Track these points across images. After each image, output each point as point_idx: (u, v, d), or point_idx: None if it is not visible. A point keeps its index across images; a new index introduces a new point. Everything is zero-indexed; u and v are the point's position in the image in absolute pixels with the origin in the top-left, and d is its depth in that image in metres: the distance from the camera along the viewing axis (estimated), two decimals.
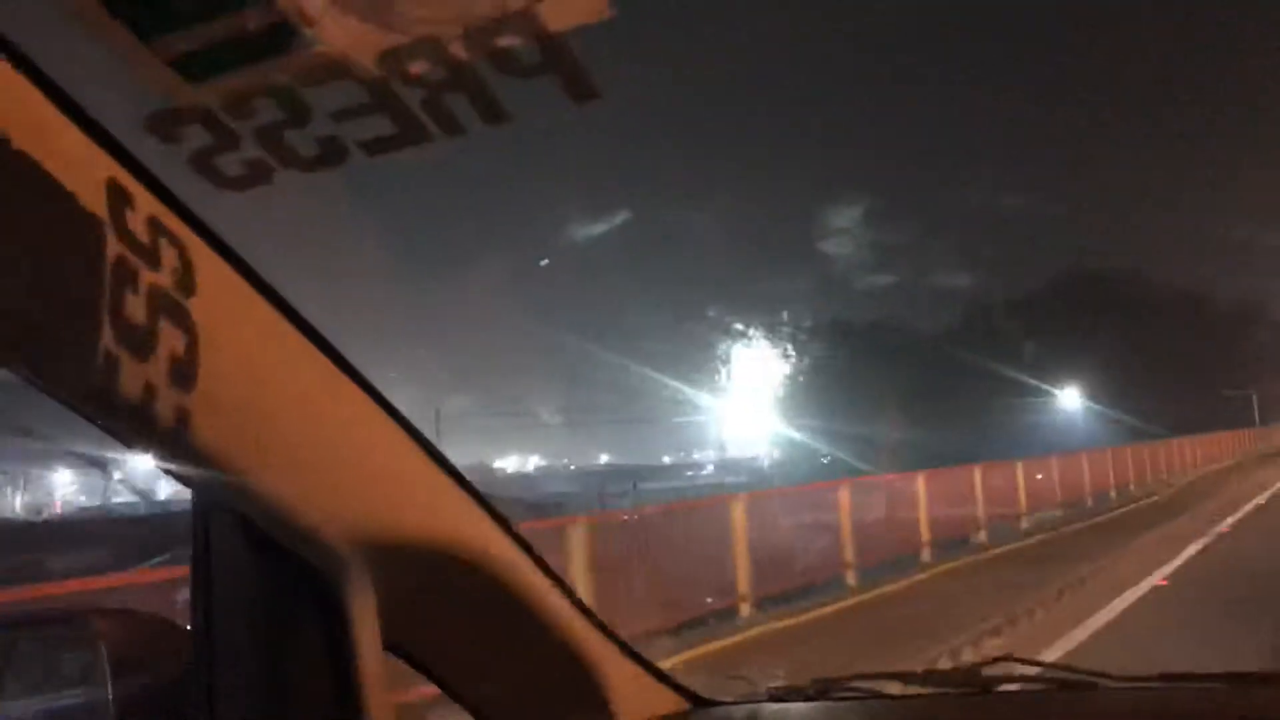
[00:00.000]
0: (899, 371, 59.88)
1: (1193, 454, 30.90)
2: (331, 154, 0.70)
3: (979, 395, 55.63)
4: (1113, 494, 21.19)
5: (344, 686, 0.90)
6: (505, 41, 0.64)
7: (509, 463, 73.70)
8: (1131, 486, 22.78)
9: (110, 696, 0.92)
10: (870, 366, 61.28)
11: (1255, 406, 59.63)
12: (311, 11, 0.62)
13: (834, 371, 62.49)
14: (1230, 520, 15.39)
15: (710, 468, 70.69)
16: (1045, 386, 58.77)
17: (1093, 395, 56.45)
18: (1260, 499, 18.95)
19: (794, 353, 63.28)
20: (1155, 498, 21.27)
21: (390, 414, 0.93)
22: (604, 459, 76.22)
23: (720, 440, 68.32)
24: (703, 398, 58.24)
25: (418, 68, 0.66)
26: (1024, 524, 16.30)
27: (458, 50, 0.65)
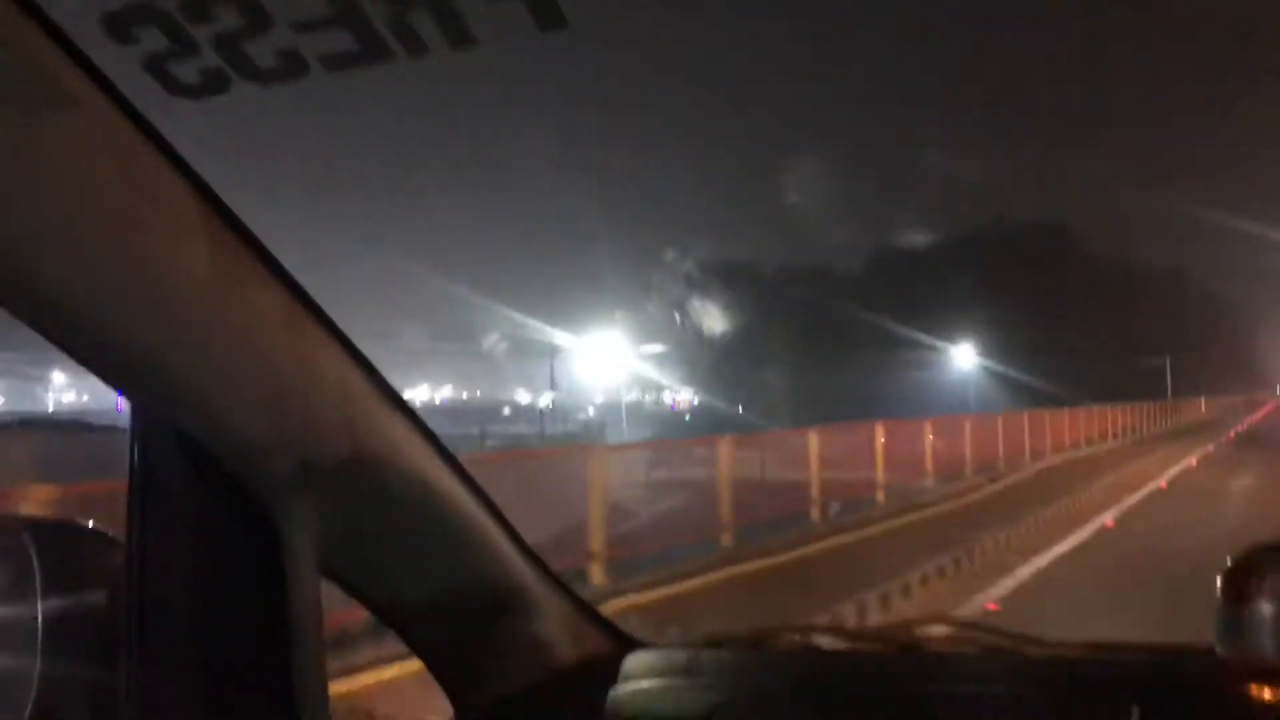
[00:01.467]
0: (798, 322, 57.52)
1: (1070, 429, 25.73)
2: (290, 68, 0.69)
3: (877, 351, 53.10)
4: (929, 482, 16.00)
5: (278, 609, 0.89)
6: None
7: None
8: (969, 471, 17.45)
9: (39, 611, 0.90)
10: (772, 315, 58.95)
11: (1168, 378, 57.33)
12: None
13: (733, 317, 60.42)
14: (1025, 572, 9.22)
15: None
16: (939, 343, 55.20)
17: (995, 355, 53.46)
18: (1105, 518, 13.01)
19: (692, 296, 60.77)
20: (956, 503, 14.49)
21: (338, 338, 0.92)
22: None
23: (568, 382, 63.60)
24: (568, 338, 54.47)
25: None
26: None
27: None
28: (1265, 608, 0.95)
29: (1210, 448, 26.26)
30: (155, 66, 0.68)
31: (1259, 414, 49.64)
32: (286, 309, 0.86)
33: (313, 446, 0.90)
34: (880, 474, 14.63)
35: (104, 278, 0.70)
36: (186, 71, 0.68)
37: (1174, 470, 19.84)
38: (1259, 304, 79.10)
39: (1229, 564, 1.01)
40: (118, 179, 0.69)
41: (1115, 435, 30.66)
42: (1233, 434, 33.08)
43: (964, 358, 56.22)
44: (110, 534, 0.97)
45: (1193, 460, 22.39)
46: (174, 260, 0.74)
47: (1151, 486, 16.75)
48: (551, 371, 55.11)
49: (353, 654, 5.06)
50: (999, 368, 50.86)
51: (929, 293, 56.77)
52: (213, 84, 0.69)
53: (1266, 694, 0.88)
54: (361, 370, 0.95)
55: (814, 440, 13.03)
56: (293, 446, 0.88)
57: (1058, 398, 32.05)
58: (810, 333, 55.84)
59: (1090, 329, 56.61)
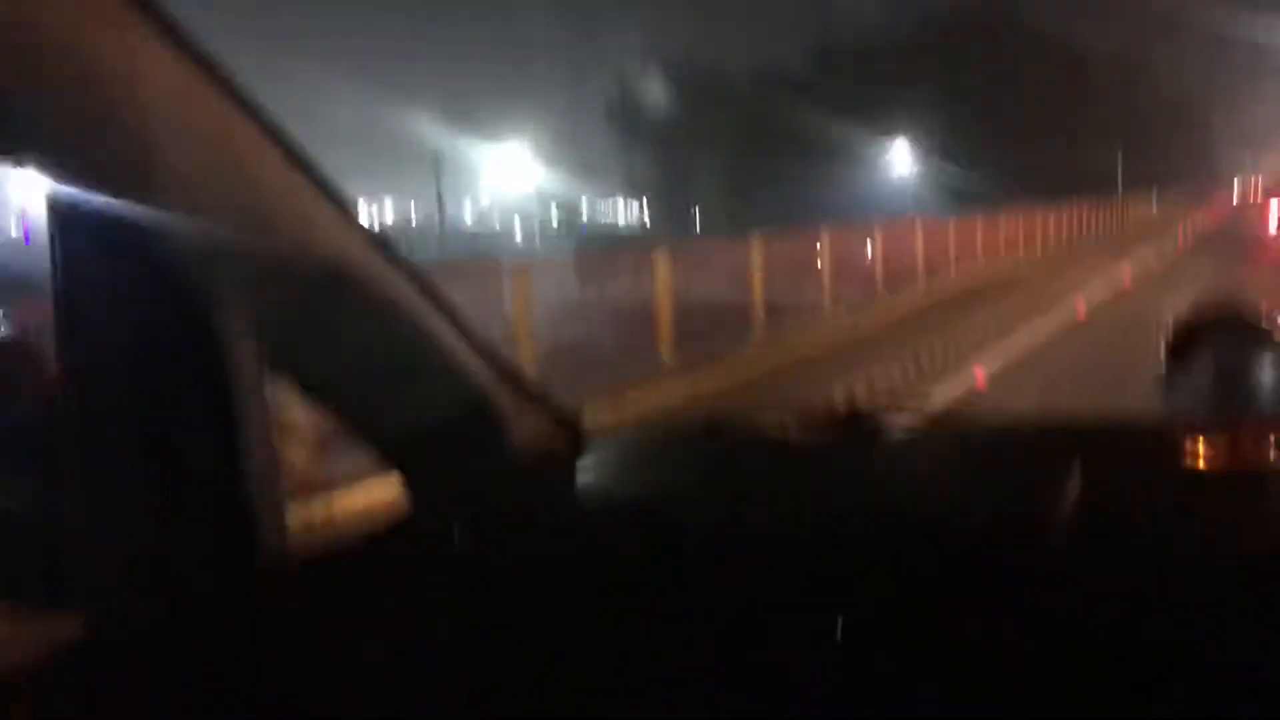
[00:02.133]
0: (725, 126, 53.63)
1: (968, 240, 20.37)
2: None
3: (816, 156, 49.61)
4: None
5: (222, 404, 0.88)
6: None
7: None
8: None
9: None
10: (696, 117, 54.86)
11: (1119, 177, 53.55)
12: None
13: (666, 124, 55.96)
14: None
15: None
16: (880, 143, 52.85)
17: (937, 154, 50.49)
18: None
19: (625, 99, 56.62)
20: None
21: (259, 123, 0.87)
22: None
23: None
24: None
25: None
26: None
27: None
28: (1201, 369, 0.96)
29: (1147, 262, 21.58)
30: None
31: (1211, 216, 44.89)
32: (201, 92, 0.82)
33: (243, 236, 0.86)
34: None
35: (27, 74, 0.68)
36: None
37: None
38: (1215, 96, 75.15)
39: (1173, 323, 1.01)
40: None
41: (1047, 243, 26.74)
42: (1182, 242, 29.45)
43: (902, 160, 53.91)
44: (39, 347, 0.95)
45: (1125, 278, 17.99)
46: (89, 50, 0.72)
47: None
48: (438, 184, 47.10)
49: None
50: (939, 169, 48.67)
51: (869, 90, 53.26)
52: None
53: (1199, 450, 0.91)
54: (289, 156, 0.91)
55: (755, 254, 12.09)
56: (222, 238, 0.85)
57: (998, 199, 29.11)
58: (746, 140, 52.41)
59: (1040, 123, 53.53)
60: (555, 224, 62.35)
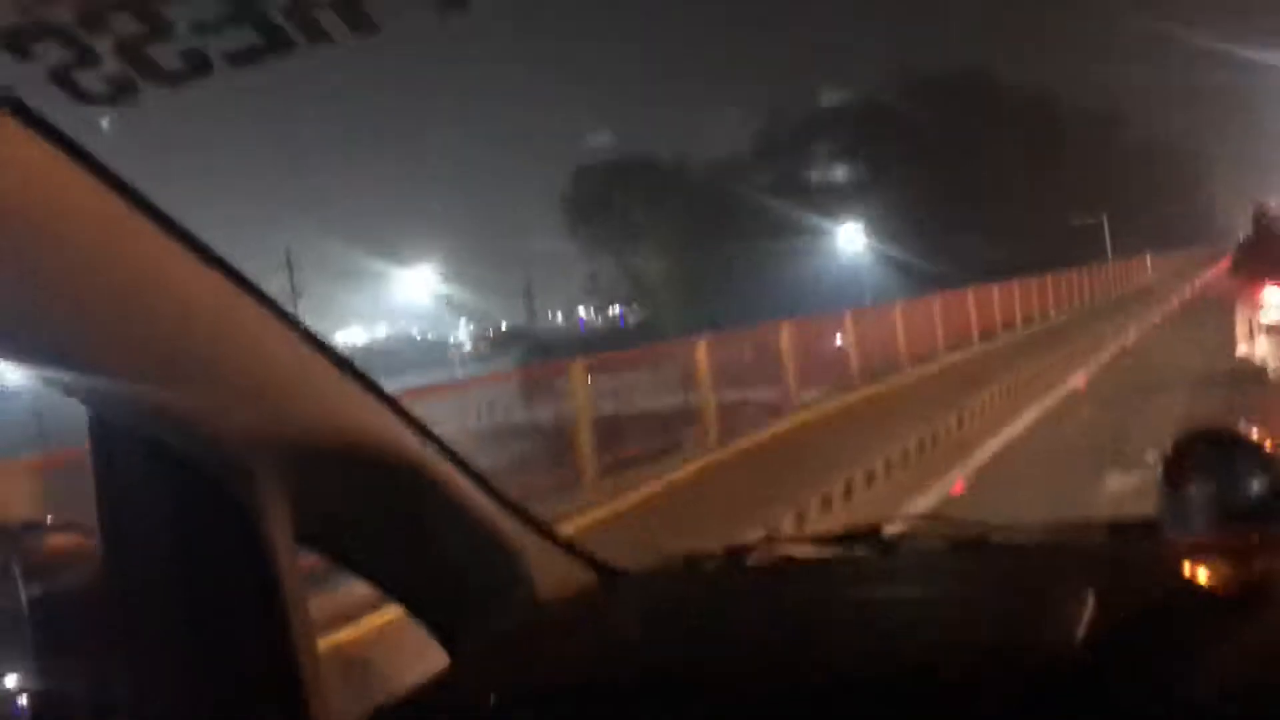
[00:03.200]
0: (670, 213, 49.89)
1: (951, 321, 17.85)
2: (196, 67, 0.69)
3: (772, 240, 46.18)
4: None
5: (259, 583, 0.91)
6: None
7: None
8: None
9: (24, 606, 0.92)
10: (643, 206, 51.07)
11: (1106, 237, 49.62)
12: None
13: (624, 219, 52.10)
14: None
15: None
16: (836, 225, 48.99)
17: (901, 234, 45.77)
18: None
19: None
20: None
21: (280, 316, 0.93)
22: None
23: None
24: None
25: None
26: None
27: None
28: (1200, 487, 1.00)
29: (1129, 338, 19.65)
30: (61, 78, 0.67)
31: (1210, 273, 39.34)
32: (222, 293, 0.86)
33: (272, 426, 0.91)
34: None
35: (38, 291, 0.71)
36: (92, 80, 0.68)
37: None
38: (1206, 146, 69.91)
39: (1168, 450, 1.06)
40: (35, 193, 0.69)
41: (1027, 319, 22.77)
42: (1177, 303, 28.26)
43: (853, 241, 49.85)
44: (83, 524, 0.99)
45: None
46: (102, 264, 0.75)
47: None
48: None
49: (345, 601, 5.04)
50: (900, 250, 44.13)
51: (828, 172, 51.78)
52: (121, 91, 0.69)
53: (1201, 569, 0.96)
54: (306, 341, 0.96)
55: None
56: (252, 429, 0.89)
57: (970, 273, 26.33)
58: (699, 232, 49.56)
59: (1014, 190, 49.86)
60: (485, 337, 60.21)
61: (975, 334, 19.17)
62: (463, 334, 59.88)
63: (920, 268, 39.06)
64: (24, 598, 0.92)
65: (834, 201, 50.25)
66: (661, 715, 0.89)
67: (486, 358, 54.17)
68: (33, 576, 0.93)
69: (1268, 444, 1.03)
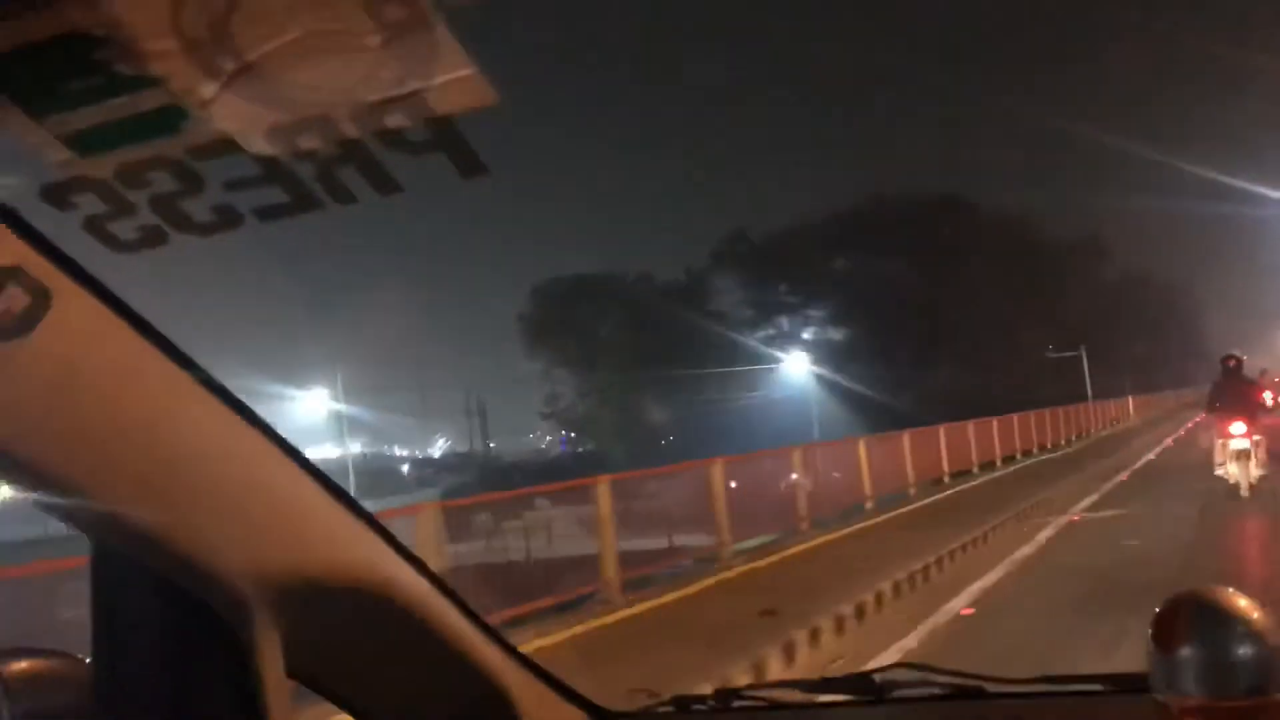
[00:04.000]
0: (625, 334, 47.89)
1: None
2: (225, 220, 0.71)
3: (707, 364, 44.59)
4: None
5: (248, 716, 0.90)
6: (393, 121, 0.66)
7: None
8: None
9: None
10: (599, 325, 49.60)
11: (1085, 371, 45.73)
12: (205, 95, 0.63)
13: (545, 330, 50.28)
14: None
15: None
16: (789, 355, 47.20)
17: (852, 363, 43.91)
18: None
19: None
20: None
21: (285, 450, 0.94)
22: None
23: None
24: None
25: (308, 143, 0.67)
26: None
27: (347, 127, 0.67)
28: (1189, 651, 1.00)
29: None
30: (95, 227, 0.70)
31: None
32: (220, 423, 0.87)
33: (269, 561, 0.91)
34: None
35: (42, 427, 0.73)
36: (125, 230, 0.70)
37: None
38: (1199, 282, 71.18)
39: (1157, 612, 1.07)
40: (52, 319, 0.71)
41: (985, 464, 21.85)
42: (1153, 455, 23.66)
43: (799, 370, 47.00)
44: (74, 655, 0.98)
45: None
46: (103, 389, 0.76)
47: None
48: None
49: None
50: (855, 381, 41.66)
51: (787, 293, 49.39)
52: (151, 239, 0.71)
53: None
54: (307, 472, 0.96)
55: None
56: (249, 563, 0.89)
57: (923, 414, 24.63)
58: (649, 352, 46.78)
59: (989, 319, 46.90)
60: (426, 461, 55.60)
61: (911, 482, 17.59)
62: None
63: (876, 401, 37.54)
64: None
65: (791, 328, 49.14)
66: None
67: (430, 483, 51.80)
68: (19, 699, 0.92)
69: (1254, 613, 1.03)
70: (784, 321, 49.71)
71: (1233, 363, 14.75)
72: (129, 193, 0.69)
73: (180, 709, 0.91)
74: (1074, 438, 31.47)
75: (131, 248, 0.72)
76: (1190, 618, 1.03)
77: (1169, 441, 28.34)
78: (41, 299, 0.71)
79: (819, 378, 46.78)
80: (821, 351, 48.39)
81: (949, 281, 47.88)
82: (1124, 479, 19.33)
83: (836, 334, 49.24)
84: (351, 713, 1.12)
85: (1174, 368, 60.94)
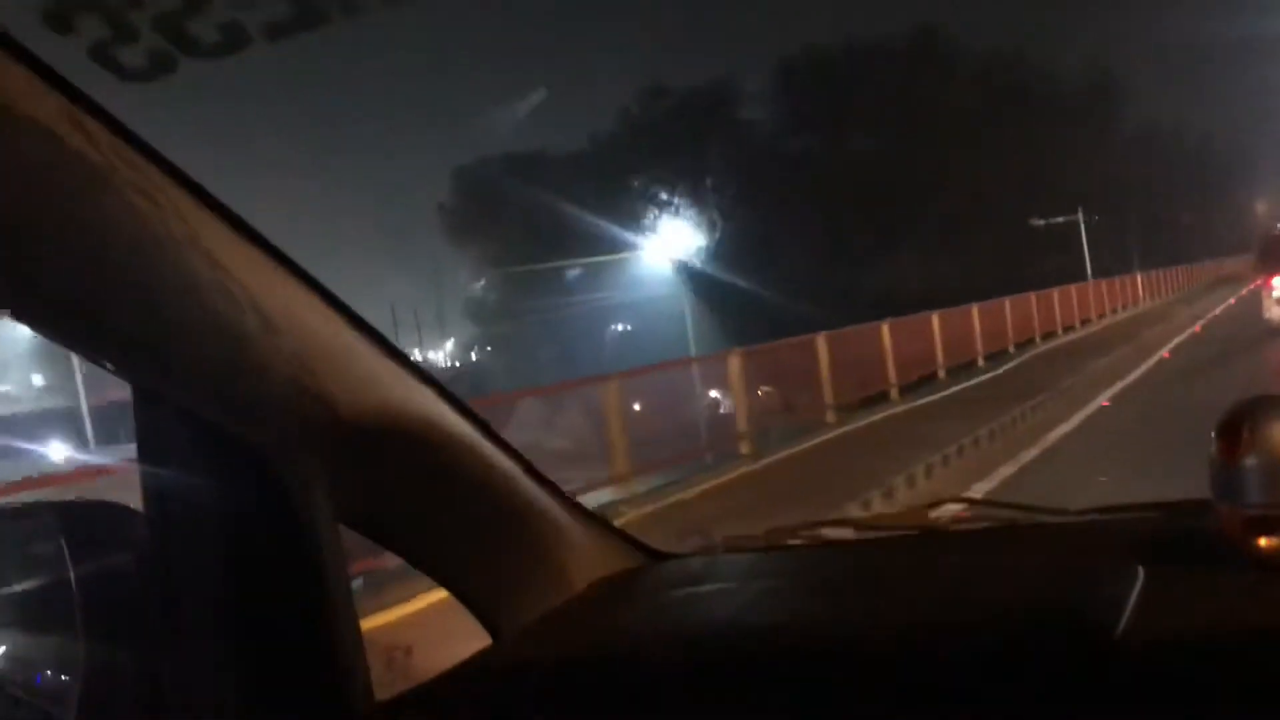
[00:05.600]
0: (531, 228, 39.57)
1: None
2: (233, 41, 0.69)
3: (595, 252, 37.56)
4: None
5: (300, 562, 0.92)
6: None
7: None
8: None
9: (73, 582, 0.92)
10: (505, 218, 40.88)
11: (1085, 246, 37.01)
12: None
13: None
14: None
15: None
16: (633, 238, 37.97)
17: (771, 260, 34.91)
18: None
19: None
20: None
21: (313, 287, 0.92)
22: None
23: None
24: None
25: None
26: None
27: None
28: (1253, 460, 0.94)
29: None
30: (102, 55, 0.68)
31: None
32: (260, 268, 0.86)
33: (307, 399, 0.90)
34: None
35: (80, 269, 0.72)
36: (133, 56, 0.68)
37: None
38: (1238, 143, 55.34)
39: (1219, 421, 1.01)
40: (76, 168, 0.69)
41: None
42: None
43: (661, 262, 38.02)
44: (129, 506, 0.99)
45: None
46: (145, 239, 0.75)
47: None
48: None
49: (389, 589, 4.88)
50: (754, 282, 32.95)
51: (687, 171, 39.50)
52: (160, 65, 0.69)
53: (1261, 542, 0.90)
54: (346, 319, 0.95)
55: None
56: (287, 402, 0.89)
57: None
58: (541, 242, 39.48)
59: (958, 181, 37.68)
60: None
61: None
62: None
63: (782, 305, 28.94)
64: (73, 576, 0.92)
65: (693, 211, 39.81)
66: (704, 689, 0.88)
67: None
68: (78, 551, 0.93)
69: None
70: (675, 204, 39.85)
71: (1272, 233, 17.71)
72: (132, 13, 0.66)
73: (233, 555, 0.91)
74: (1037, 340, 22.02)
75: (141, 76, 0.70)
76: (1255, 423, 0.96)
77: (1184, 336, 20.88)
78: (49, 132, 0.69)
79: (702, 277, 37.84)
80: (730, 244, 39.44)
81: (915, 149, 38.37)
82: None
83: (749, 219, 39.21)
84: (397, 552, 1.12)
85: (1219, 236, 52.62)
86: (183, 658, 0.91)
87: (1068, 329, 24.73)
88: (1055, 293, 24.73)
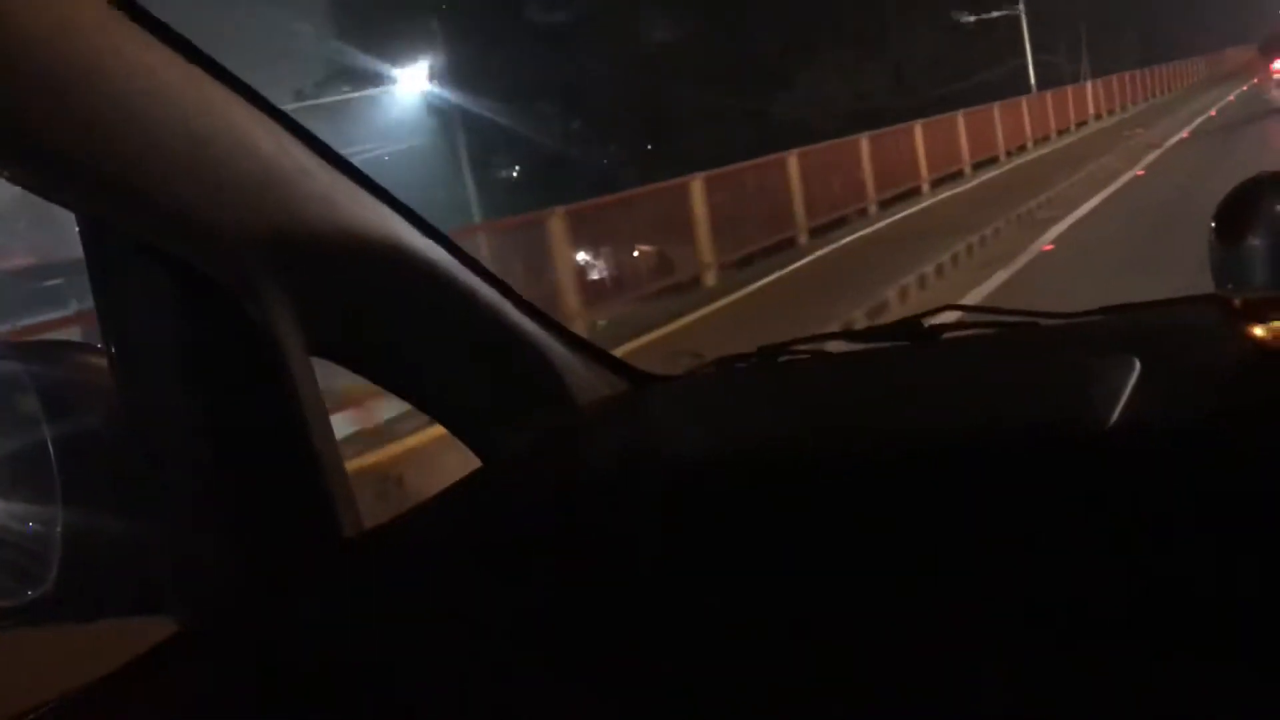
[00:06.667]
0: None
1: None
2: None
3: None
4: None
5: (274, 396, 0.88)
6: None
7: None
8: None
9: (47, 435, 0.86)
10: None
11: (1027, 42, 29.01)
12: None
13: None
14: None
15: None
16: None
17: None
18: None
19: None
20: None
21: (270, 112, 0.86)
22: None
23: None
24: None
25: None
26: None
27: None
28: (1257, 241, 0.91)
29: None
30: None
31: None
32: (204, 86, 0.81)
33: (266, 224, 0.85)
34: None
35: (23, 88, 0.67)
36: None
37: None
38: None
39: (1220, 202, 0.96)
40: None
41: None
42: None
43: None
44: (94, 345, 0.91)
45: None
46: (87, 59, 0.71)
47: None
48: None
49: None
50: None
51: None
52: None
53: (1259, 327, 0.86)
54: (299, 138, 0.89)
55: None
56: (245, 227, 0.84)
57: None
58: None
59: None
60: None
61: None
62: None
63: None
64: (45, 428, 0.85)
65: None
66: (699, 502, 0.85)
67: None
68: (43, 393, 0.87)
69: None
70: None
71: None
72: None
73: (203, 392, 0.87)
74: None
75: None
76: (1257, 202, 0.93)
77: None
78: None
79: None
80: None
81: None
82: None
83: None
84: (389, 388, 1.08)
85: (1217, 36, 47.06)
86: (161, 502, 0.87)
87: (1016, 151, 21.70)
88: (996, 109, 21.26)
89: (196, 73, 0.79)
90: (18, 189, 0.73)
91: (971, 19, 29.77)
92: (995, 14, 29.25)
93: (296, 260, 0.88)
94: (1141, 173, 15.41)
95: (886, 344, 1.21)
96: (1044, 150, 22.61)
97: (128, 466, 0.86)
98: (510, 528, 0.91)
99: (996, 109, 21.44)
